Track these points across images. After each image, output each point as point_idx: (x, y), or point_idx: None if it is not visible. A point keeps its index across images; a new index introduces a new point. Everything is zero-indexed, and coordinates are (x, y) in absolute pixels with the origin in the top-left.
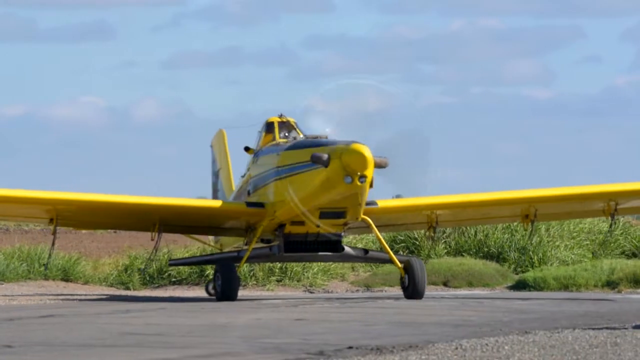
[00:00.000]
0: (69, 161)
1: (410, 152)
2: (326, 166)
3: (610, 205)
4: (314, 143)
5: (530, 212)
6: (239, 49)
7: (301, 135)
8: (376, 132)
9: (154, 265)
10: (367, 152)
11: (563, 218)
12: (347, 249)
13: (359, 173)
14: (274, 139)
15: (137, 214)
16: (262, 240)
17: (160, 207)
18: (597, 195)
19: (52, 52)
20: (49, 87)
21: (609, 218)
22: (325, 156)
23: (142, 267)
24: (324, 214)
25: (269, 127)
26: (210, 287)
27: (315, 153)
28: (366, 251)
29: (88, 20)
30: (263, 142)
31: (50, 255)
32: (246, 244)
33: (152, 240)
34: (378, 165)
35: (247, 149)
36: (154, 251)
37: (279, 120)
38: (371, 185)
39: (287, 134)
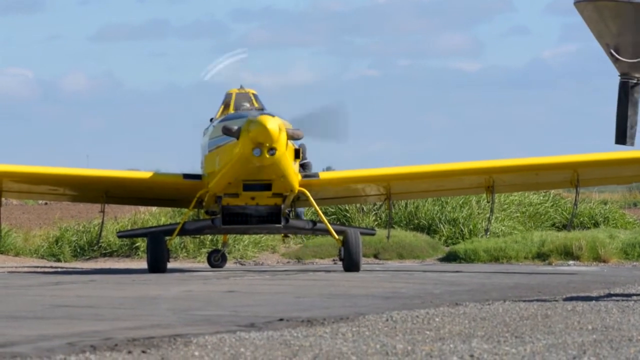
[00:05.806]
0: None
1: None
2: (237, 138)
3: (574, 176)
4: (237, 116)
5: (491, 183)
6: (166, 21)
7: (255, 107)
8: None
9: (84, 238)
10: (271, 124)
11: (527, 189)
12: (292, 220)
13: (267, 145)
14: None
15: (84, 185)
16: (208, 212)
17: (106, 179)
18: (563, 165)
19: None
20: None
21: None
22: (235, 128)
23: (95, 240)
24: (248, 187)
25: (227, 98)
26: (213, 258)
27: (226, 125)
28: (314, 223)
29: None
30: (220, 114)
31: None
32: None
33: (100, 212)
34: (291, 137)
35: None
36: (102, 223)
37: (238, 91)
38: (297, 157)
39: (245, 106)
